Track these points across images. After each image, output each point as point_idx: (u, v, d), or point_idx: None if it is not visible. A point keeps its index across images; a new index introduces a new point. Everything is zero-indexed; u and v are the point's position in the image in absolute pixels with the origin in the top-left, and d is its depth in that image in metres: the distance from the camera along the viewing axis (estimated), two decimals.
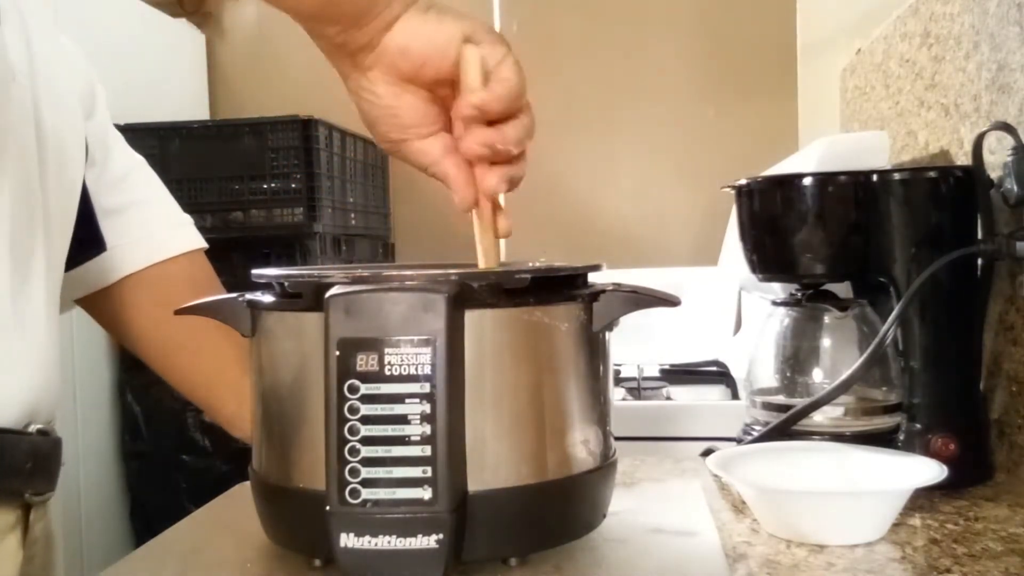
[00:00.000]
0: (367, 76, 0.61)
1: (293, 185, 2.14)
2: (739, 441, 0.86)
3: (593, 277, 0.63)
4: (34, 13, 0.75)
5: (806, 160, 1.09)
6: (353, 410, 0.52)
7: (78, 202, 0.79)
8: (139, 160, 0.90)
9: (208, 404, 0.91)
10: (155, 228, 0.87)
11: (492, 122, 0.60)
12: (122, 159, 0.87)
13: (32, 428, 0.69)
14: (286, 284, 0.60)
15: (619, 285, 0.60)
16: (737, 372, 1.60)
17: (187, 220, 0.91)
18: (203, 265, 0.91)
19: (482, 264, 0.63)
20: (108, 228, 0.84)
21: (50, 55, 0.76)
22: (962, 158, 0.98)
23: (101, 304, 0.86)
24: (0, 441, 0.65)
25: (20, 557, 0.69)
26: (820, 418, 0.81)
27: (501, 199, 0.64)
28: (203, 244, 0.91)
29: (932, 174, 0.86)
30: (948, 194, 0.83)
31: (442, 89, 0.61)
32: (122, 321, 0.87)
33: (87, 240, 0.81)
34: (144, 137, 2.02)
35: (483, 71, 0.59)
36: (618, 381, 1.59)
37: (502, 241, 0.65)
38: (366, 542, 0.52)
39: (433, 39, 0.59)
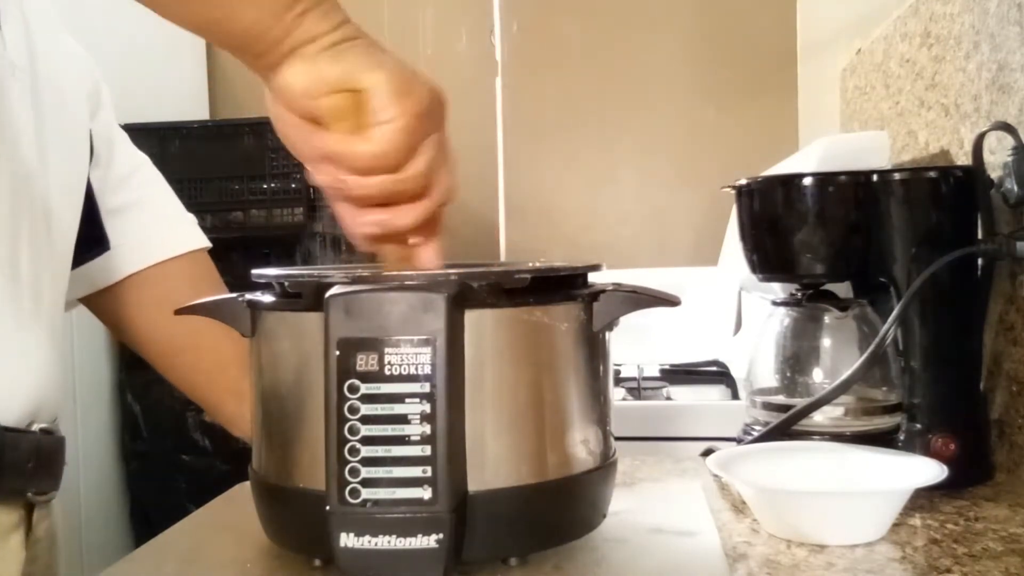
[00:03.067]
0: (271, 98, 0.58)
1: (293, 185, 2.14)
2: (739, 441, 0.86)
3: (593, 277, 0.63)
4: (37, 11, 0.75)
5: (806, 160, 1.09)
6: (353, 410, 0.52)
7: (83, 200, 0.79)
8: (143, 159, 0.90)
9: (209, 403, 0.91)
10: (159, 227, 0.87)
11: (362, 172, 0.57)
12: (127, 158, 0.87)
13: (35, 427, 0.69)
14: (286, 284, 0.60)
15: (619, 285, 0.60)
16: (737, 372, 1.60)
17: (190, 219, 0.91)
18: (206, 264, 0.91)
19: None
20: (112, 227, 0.84)
21: (53, 53, 0.76)
22: (962, 158, 0.98)
23: (104, 303, 0.86)
24: (2, 440, 0.65)
25: (23, 556, 0.69)
26: (820, 418, 0.81)
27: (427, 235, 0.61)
28: (206, 243, 0.91)
29: (932, 174, 0.86)
30: (948, 194, 0.83)
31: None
32: (125, 320, 0.87)
33: (91, 239, 0.81)
34: (144, 137, 2.00)
35: (352, 122, 0.55)
36: (618, 381, 1.59)
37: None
38: (366, 542, 0.52)
39: (312, 88, 0.56)
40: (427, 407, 0.52)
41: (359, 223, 0.59)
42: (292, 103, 0.57)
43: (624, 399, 1.51)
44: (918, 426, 0.81)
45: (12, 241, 0.68)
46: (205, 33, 0.57)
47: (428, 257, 0.61)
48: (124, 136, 0.88)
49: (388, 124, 0.55)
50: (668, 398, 1.55)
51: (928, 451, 0.78)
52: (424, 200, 0.59)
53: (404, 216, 0.59)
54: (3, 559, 0.68)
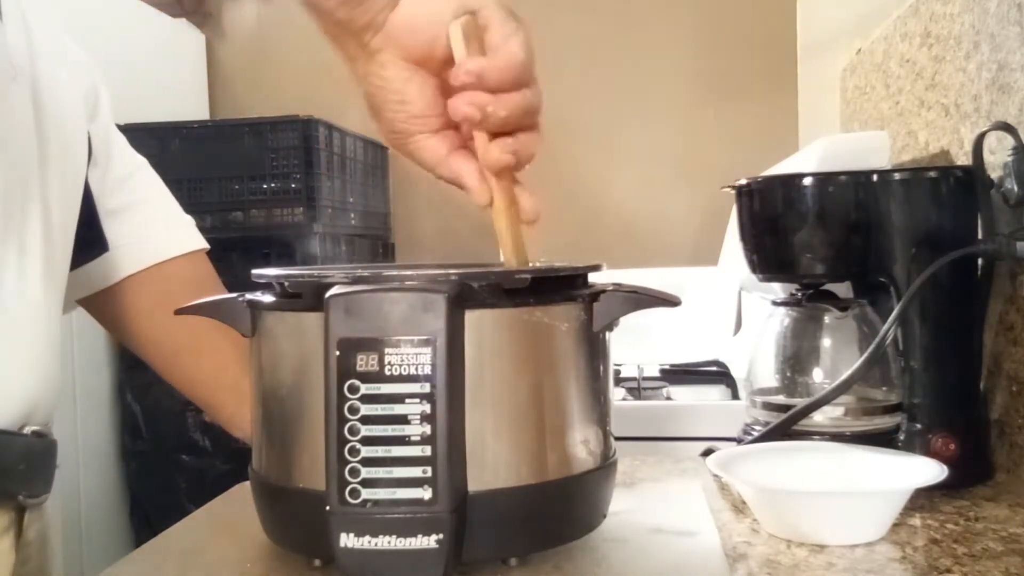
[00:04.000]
0: (375, 59, 0.59)
1: (293, 185, 2.14)
2: (739, 441, 0.86)
3: (593, 277, 0.63)
4: (38, 12, 0.75)
5: (806, 160, 1.09)
6: (353, 410, 0.52)
7: (81, 202, 0.79)
8: (141, 161, 0.90)
9: (208, 404, 0.91)
10: (157, 229, 0.87)
11: (491, 91, 0.57)
12: (125, 160, 0.87)
13: (27, 429, 0.69)
14: (286, 284, 0.60)
15: (619, 285, 0.60)
16: (737, 372, 1.60)
17: (188, 221, 0.91)
18: (204, 266, 0.91)
19: (509, 261, 0.61)
20: (110, 228, 0.84)
21: (53, 55, 0.76)
22: (962, 158, 0.98)
23: (103, 304, 0.86)
24: None
25: (13, 559, 0.69)
26: (820, 418, 0.81)
27: (522, 181, 0.61)
28: (204, 245, 0.91)
29: (932, 174, 0.86)
30: (948, 194, 0.83)
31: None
32: (123, 321, 0.87)
33: (90, 240, 0.81)
34: (144, 137, 2.00)
35: (476, 44, 0.57)
36: (618, 381, 1.59)
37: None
38: (366, 542, 0.52)
39: (440, 13, 0.57)
40: (427, 407, 0.52)
41: (495, 150, 0.59)
42: (415, 38, 0.57)
43: (624, 399, 1.51)
44: (918, 426, 0.81)
45: (7, 244, 0.67)
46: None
47: (531, 205, 0.61)
48: (122, 138, 0.88)
49: (513, 36, 0.57)
50: (668, 398, 1.55)
51: (928, 451, 0.78)
52: (538, 133, 0.60)
53: (532, 142, 0.59)
54: None
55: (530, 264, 0.62)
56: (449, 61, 0.58)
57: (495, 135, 0.59)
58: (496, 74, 0.57)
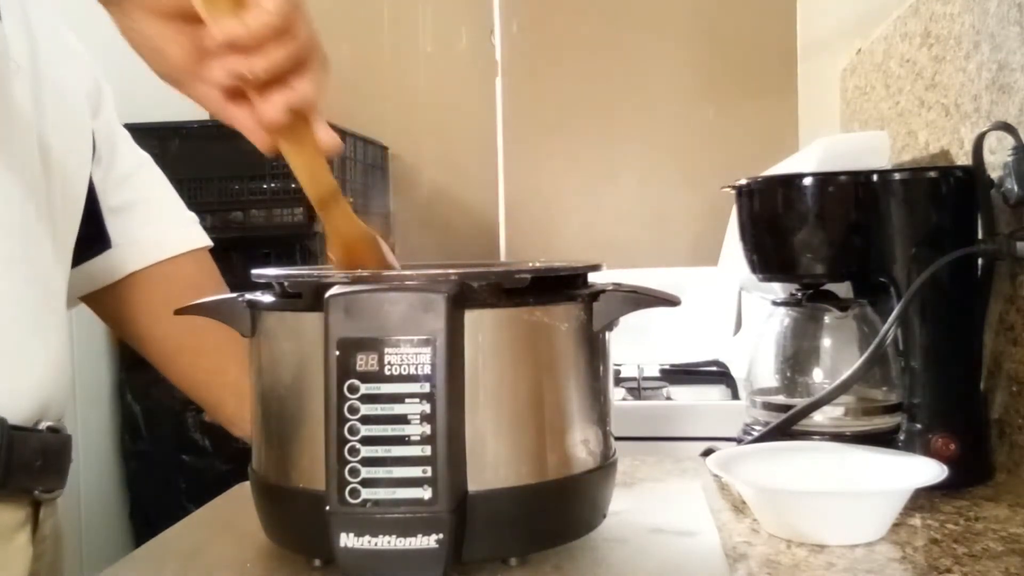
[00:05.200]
0: (130, 16, 0.55)
1: (293, 185, 2.12)
2: (739, 441, 0.86)
3: (593, 277, 0.63)
4: (38, 8, 0.75)
5: (806, 160, 1.09)
6: (353, 410, 0.52)
7: (84, 199, 0.79)
8: (145, 158, 0.90)
9: (209, 403, 0.91)
10: (160, 226, 0.87)
11: (250, 50, 0.54)
12: (129, 157, 0.87)
13: (42, 425, 0.70)
14: (286, 284, 0.60)
15: (619, 285, 0.60)
16: (737, 372, 1.60)
17: (192, 218, 0.91)
18: (207, 264, 0.91)
19: (310, 196, 0.59)
20: (113, 225, 0.84)
21: (54, 52, 0.76)
22: (962, 158, 0.98)
23: (105, 301, 0.86)
24: (11, 438, 0.65)
25: (31, 553, 0.70)
26: (820, 418, 0.81)
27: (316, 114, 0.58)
28: (208, 243, 0.91)
29: (932, 174, 0.86)
30: (948, 194, 0.83)
31: None
32: (125, 318, 0.87)
33: (93, 237, 0.81)
34: (144, 137, 1.99)
35: (225, 2, 0.53)
36: (618, 381, 1.59)
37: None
38: (366, 542, 0.52)
39: None
40: (427, 407, 0.52)
41: (269, 109, 0.56)
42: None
43: (624, 399, 1.51)
44: (918, 426, 0.81)
45: (21, 242, 0.68)
46: None
47: (326, 137, 0.58)
48: (126, 135, 0.88)
49: None
50: (668, 398, 1.55)
51: (928, 451, 0.78)
52: (316, 70, 0.56)
53: (310, 86, 0.56)
54: (11, 556, 0.68)
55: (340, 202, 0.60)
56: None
57: (266, 87, 0.55)
58: (249, 37, 0.53)
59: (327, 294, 0.53)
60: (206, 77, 0.56)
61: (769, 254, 0.89)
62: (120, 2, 0.55)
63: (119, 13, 0.56)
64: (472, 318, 0.55)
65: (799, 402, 0.81)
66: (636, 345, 1.51)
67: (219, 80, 0.55)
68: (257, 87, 0.55)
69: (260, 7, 0.53)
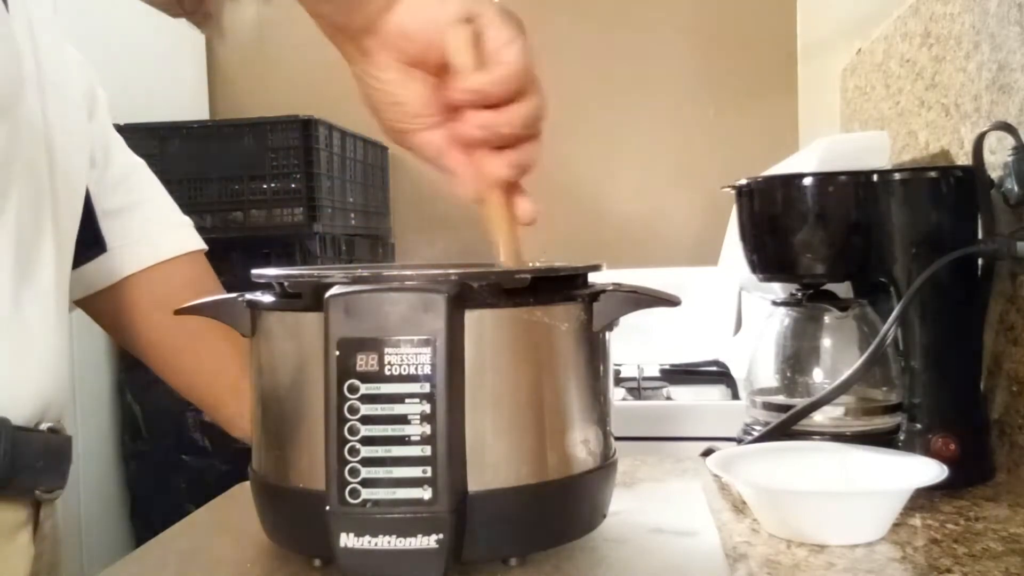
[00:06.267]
0: (371, 61, 0.58)
1: (293, 185, 2.14)
2: (739, 441, 0.86)
3: (593, 277, 0.63)
4: (40, 18, 0.75)
5: (806, 160, 1.09)
6: (353, 410, 0.52)
7: (83, 201, 0.79)
8: (138, 162, 0.90)
9: (208, 404, 0.91)
10: (155, 229, 0.88)
11: (493, 105, 0.57)
12: (122, 161, 0.88)
13: (43, 425, 0.70)
14: (286, 284, 0.60)
15: (619, 285, 0.60)
16: (737, 372, 1.60)
17: (186, 222, 0.92)
18: (203, 266, 0.91)
19: (503, 258, 0.61)
20: (108, 229, 0.84)
21: (57, 61, 0.76)
22: (962, 158, 0.98)
23: (101, 305, 0.87)
24: (13, 438, 0.66)
25: (32, 553, 0.70)
26: (820, 418, 0.81)
27: (522, 183, 0.61)
28: (202, 246, 0.91)
29: (932, 174, 0.85)
30: (948, 194, 0.83)
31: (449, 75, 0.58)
32: (122, 322, 0.87)
33: (88, 241, 0.81)
34: (144, 137, 2.01)
35: (475, 53, 0.56)
36: (618, 381, 1.59)
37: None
38: (366, 542, 0.52)
39: (434, 19, 0.56)
40: (427, 407, 0.52)
41: (498, 165, 0.58)
42: (410, 43, 0.56)
43: (624, 399, 1.51)
44: (918, 426, 0.81)
45: (18, 245, 0.68)
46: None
47: (529, 208, 0.61)
48: (120, 139, 0.88)
49: (512, 44, 0.56)
50: (668, 398, 1.55)
51: (928, 451, 0.78)
52: (540, 139, 0.59)
53: (534, 152, 0.59)
54: (12, 556, 0.68)
55: (529, 264, 0.62)
56: (445, 62, 0.58)
57: (498, 147, 0.59)
58: (496, 89, 0.56)
59: (327, 294, 0.53)
60: (460, 131, 0.58)
61: (769, 254, 0.89)
62: (367, 48, 0.57)
63: (362, 60, 0.58)
64: (472, 318, 0.55)
65: (799, 402, 0.81)
66: (636, 345, 1.51)
67: (470, 134, 0.57)
68: (496, 144, 0.58)
69: (503, 62, 0.56)
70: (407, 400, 0.52)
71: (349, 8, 0.56)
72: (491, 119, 0.57)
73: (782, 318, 0.90)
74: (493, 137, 0.58)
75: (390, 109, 0.60)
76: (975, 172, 0.82)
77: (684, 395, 1.56)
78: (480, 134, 0.58)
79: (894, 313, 0.78)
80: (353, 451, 0.52)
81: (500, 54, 0.56)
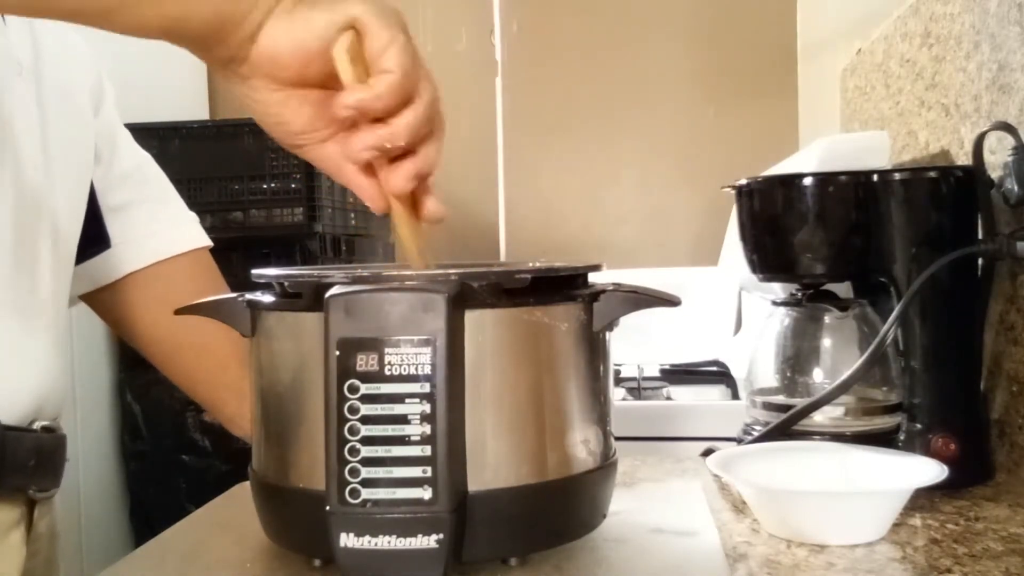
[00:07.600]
0: (248, 84, 0.56)
1: (293, 185, 2.14)
2: (739, 441, 0.86)
3: (593, 277, 0.63)
4: None
5: (806, 160, 1.09)
6: (353, 410, 0.52)
7: (87, 198, 0.79)
8: (145, 157, 0.90)
9: (209, 402, 0.91)
10: (160, 226, 0.87)
11: (380, 118, 0.55)
12: (129, 156, 0.87)
13: (37, 425, 0.70)
14: (286, 284, 0.60)
15: (619, 285, 0.60)
16: (737, 372, 1.60)
17: (192, 218, 0.91)
18: (207, 263, 0.91)
19: (413, 263, 0.60)
20: (113, 225, 0.84)
21: (58, 51, 0.76)
22: (962, 158, 0.98)
23: (105, 300, 0.86)
24: (5, 438, 0.65)
25: (24, 553, 0.70)
26: (820, 418, 0.81)
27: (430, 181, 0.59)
28: (208, 242, 0.91)
29: (932, 174, 0.85)
30: (948, 194, 0.83)
31: (336, 86, 0.55)
32: (125, 318, 0.87)
33: (92, 236, 0.81)
34: (144, 137, 1.98)
35: (361, 63, 0.54)
36: (618, 381, 1.59)
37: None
38: (366, 542, 0.52)
39: (304, 41, 0.53)
40: (427, 407, 0.52)
41: (398, 178, 0.57)
42: (284, 66, 0.54)
43: (624, 399, 1.51)
44: (918, 426, 0.81)
45: (16, 244, 0.68)
46: (164, 35, 0.53)
47: (434, 207, 0.60)
48: (126, 133, 0.88)
49: (390, 47, 0.53)
50: (668, 398, 1.55)
51: (928, 451, 0.78)
52: (439, 134, 0.57)
53: (433, 154, 0.57)
54: (5, 554, 0.68)
55: (433, 264, 0.61)
56: (328, 74, 0.55)
57: (394, 159, 0.57)
58: (379, 104, 0.54)
59: (327, 294, 0.53)
60: (347, 153, 0.56)
61: (769, 254, 0.89)
62: (242, 74, 0.55)
63: (240, 84, 0.56)
64: (472, 318, 0.55)
65: (799, 402, 0.81)
66: (636, 345, 1.51)
67: (360, 157, 0.56)
68: (391, 155, 0.56)
69: (383, 70, 0.54)
70: (407, 400, 0.52)
71: (207, 46, 0.53)
72: (377, 139, 0.55)
73: (782, 318, 0.90)
74: (383, 154, 0.56)
75: (275, 128, 0.58)
76: (975, 172, 0.82)
77: (684, 395, 1.56)
78: (368, 155, 0.56)
79: (894, 313, 0.78)
80: (353, 451, 0.52)
81: (380, 62, 0.54)
